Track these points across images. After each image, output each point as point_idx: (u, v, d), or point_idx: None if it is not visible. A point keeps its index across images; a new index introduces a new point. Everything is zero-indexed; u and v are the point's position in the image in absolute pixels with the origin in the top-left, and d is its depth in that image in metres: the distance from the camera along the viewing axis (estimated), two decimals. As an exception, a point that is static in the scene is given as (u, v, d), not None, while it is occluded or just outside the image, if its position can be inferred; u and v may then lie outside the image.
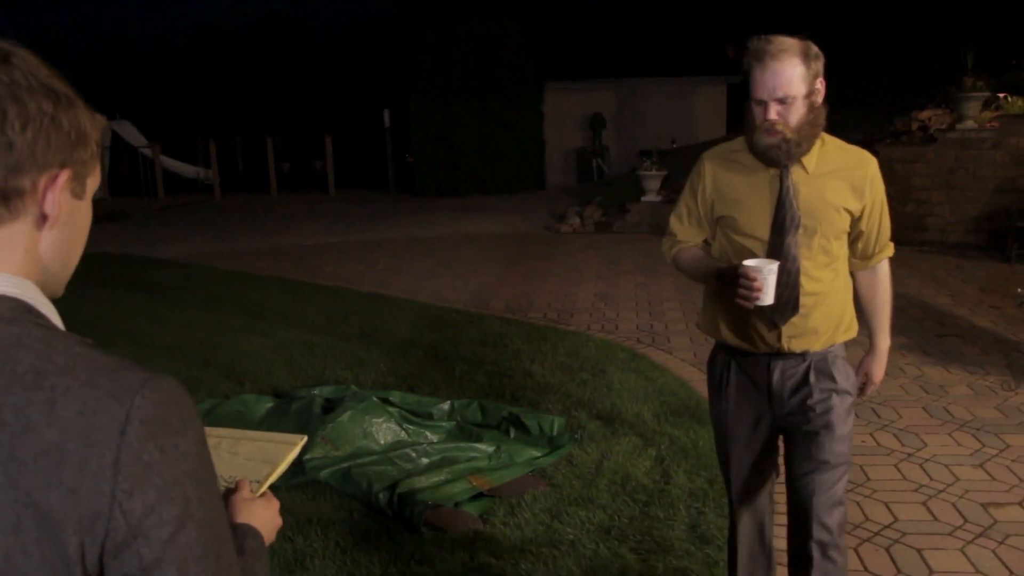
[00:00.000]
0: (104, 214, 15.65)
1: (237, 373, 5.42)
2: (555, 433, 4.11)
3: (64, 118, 0.82)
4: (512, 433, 4.12)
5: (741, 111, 2.19)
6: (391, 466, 3.73)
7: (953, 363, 5.17)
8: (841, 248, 2.21)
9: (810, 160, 2.14)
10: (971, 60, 9.93)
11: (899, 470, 3.73)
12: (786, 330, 2.20)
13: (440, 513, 3.30)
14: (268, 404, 4.55)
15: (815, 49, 2.09)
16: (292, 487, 3.68)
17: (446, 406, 4.40)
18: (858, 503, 3.41)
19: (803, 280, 2.17)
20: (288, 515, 3.44)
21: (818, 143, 2.14)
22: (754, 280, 2.04)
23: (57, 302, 0.90)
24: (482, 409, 4.37)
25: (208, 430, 1.30)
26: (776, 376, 2.26)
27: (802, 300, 2.18)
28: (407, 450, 3.84)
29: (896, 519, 3.28)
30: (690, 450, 3.91)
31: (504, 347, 5.81)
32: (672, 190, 12.28)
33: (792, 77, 2.03)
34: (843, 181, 2.15)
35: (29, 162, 0.80)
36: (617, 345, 5.86)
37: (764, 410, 2.31)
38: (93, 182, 0.90)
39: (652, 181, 12.23)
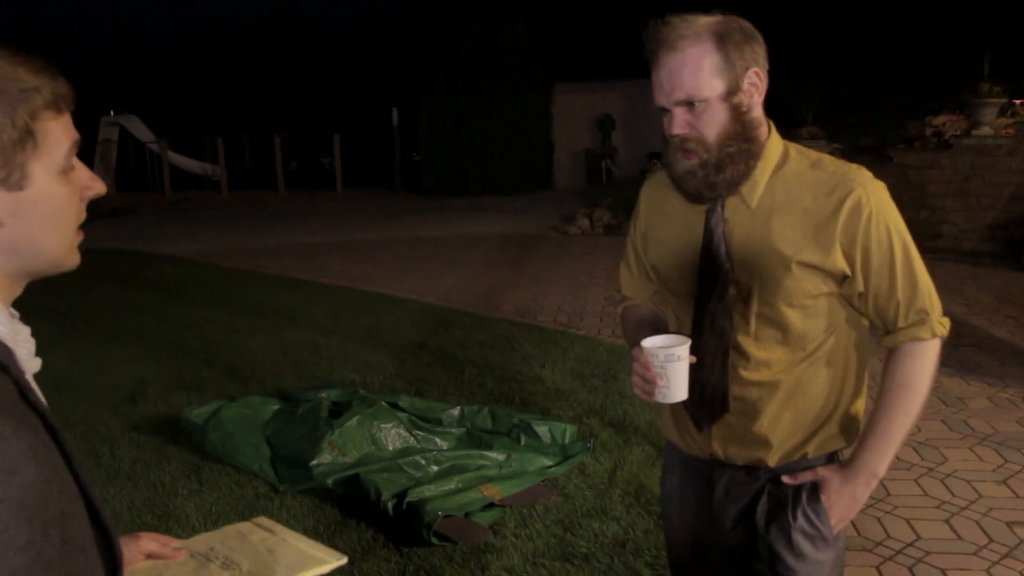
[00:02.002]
0: (110, 210, 15.63)
1: (242, 374, 5.35)
2: (567, 441, 4.03)
3: None
4: (523, 441, 4.03)
5: None
6: (400, 473, 3.64)
7: (971, 374, 5.07)
8: (808, 320, 1.49)
9: (753, 189, 1.48)
10: (987, 65, 9.80)
11: (920, 485, 3.63)
12: (717, 431, 1.57)
13: (450, 523, 3.22)
14: (274, 406, 4.47)
15: (741, 27, 1.44)
16: (299, 493, 3.61)
17: (456, 412, 4.32)
18: (879, 519, 3.32)
19: (738, 364, 1.52)
20: (294, 523, 3.36)
21: (765, 164, 1.48)
22: (646, 369, 1.46)
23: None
24: (492, 415, 4.29)
25: (266, 522, 1.26)
26: (719, 492, 1.61)
27: (737, 392, 1.53)
28: (416, 457, 3.76)
29: (919, 537, 3.19)
30: (705, 461, 3.83)
31: (513, 351, 5.73)
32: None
33: (697, 70, 1.41)
34: (800, 218, 1.45)
35: None
36: (628, 351, 5.76)
37: (712, 537, 1.66)
38: (42, 163, 0.77)
39: (662, 183, 12.12)
